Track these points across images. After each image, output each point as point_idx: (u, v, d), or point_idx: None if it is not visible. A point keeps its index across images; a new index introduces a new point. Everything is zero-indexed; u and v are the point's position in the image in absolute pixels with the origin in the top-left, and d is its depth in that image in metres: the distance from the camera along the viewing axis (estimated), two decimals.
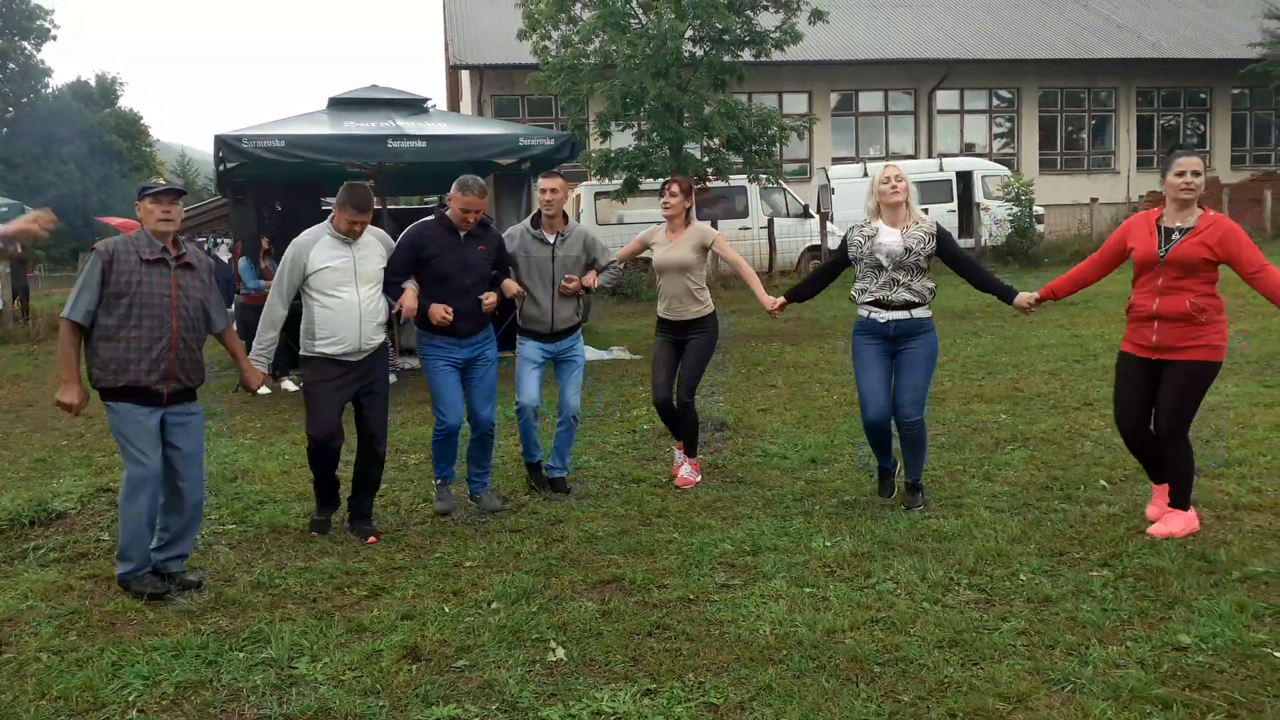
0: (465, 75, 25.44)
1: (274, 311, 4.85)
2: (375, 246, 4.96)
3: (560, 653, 3.54)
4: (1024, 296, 4.93)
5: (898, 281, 4.86)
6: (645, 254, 5.86)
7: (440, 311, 4.97)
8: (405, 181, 12.98)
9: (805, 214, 19.89)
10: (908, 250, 4.83)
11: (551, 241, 5.44)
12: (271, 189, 11.55)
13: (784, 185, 19.79)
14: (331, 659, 3.54)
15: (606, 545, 4.68)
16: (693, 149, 16.20)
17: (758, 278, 5.63)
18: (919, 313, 4.91)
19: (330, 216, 4.87)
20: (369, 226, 4.91)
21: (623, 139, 16.56)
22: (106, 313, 4.09)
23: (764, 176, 16.63)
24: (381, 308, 4.96)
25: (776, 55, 16.39)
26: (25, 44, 49.72)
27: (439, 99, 23.79)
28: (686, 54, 15.61)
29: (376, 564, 4.56)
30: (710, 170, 16.14)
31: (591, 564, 4.45)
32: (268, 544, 4.89)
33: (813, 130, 21.32)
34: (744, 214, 19.60)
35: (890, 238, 4.87)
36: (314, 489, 5.16)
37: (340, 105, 10.74)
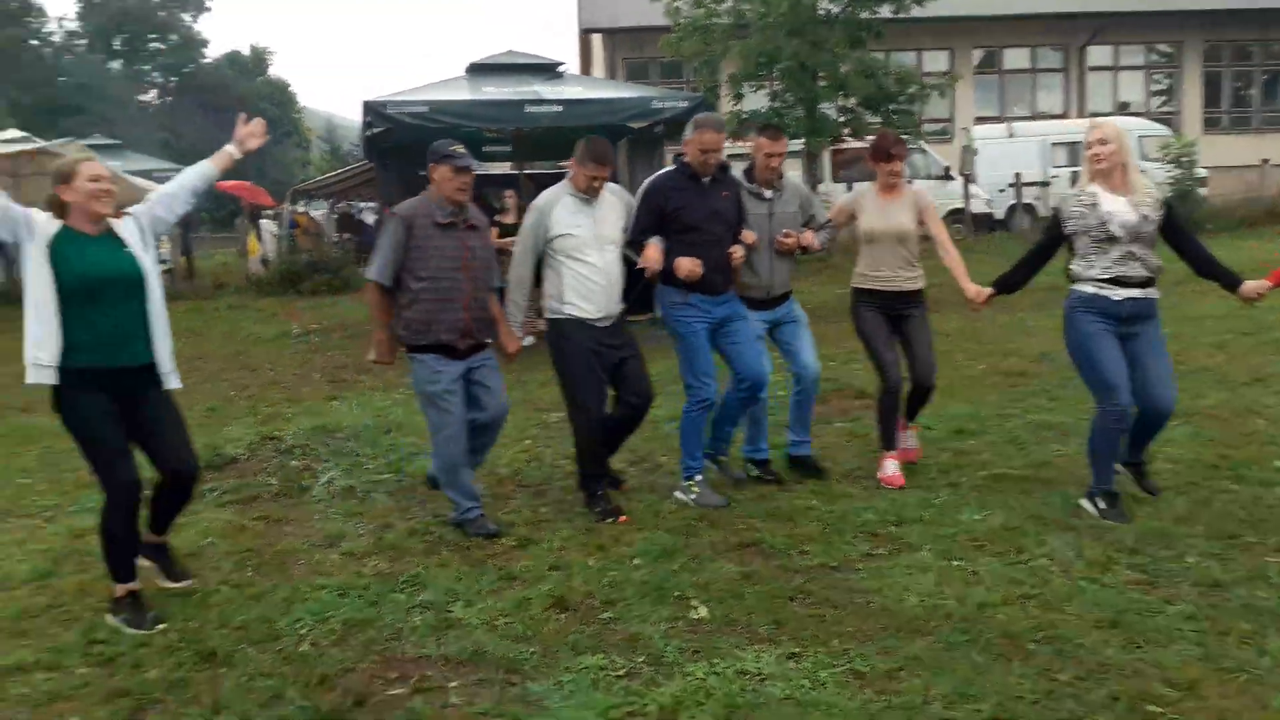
0: (596, 39, 25.51)
1: (519, 273, 4.75)
2: (615, 206, 4.78)
3: (703, 611, 3.59)
4: (1251, 285, 4.38)
5: (1134, 255, 4.31)
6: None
7: (689, 264, 4.60)
8: (541, 146, 13.17)
9: (946, 176, 19.20)
10: (1144, 218, 4.31)
11: (769, 196, 5.01)
12: (416, 154, 11.89)
13: (924, 146, 19.13)
14: (485, 605, 3.69)
15: (744, 509, 4.70)
16: (828, 109, 15.83)
17: (963, 262, 5.03)
18: (1152, 292, 4.40)
19: (569, 174, 4.73)
20: (609, 184, 4.75)
21: (755, 100, 16.31)
22: (409, 274, 4.34)
23: (904, 137, 16.09)
24: (624, 270, 4.78)
25: (916, 11, 15.78)
26: (184, 15, 52.62)
27: (571, 64, 23.96)
28: (822, 11, 15.21)
29: (523, 516, 4.71)
30: (847, 131, 15.75)
31: (730, 526, 4.47)
32: (422, 493, 5.11)
33: (954, 89, 20.48)
34: None
35: (1117, 205, 4.33)
36: (581, 469, 4.86)
37: (479, 71, 10.96)
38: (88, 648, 3.41)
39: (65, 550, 4.43)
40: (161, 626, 3.57)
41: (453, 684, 3.13)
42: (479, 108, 9.74)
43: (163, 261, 17.06)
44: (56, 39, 47.45)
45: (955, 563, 3.92)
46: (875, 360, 5.10)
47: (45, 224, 3.51)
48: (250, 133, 4.04)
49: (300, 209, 24.28)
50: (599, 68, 25.68)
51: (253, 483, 5.34)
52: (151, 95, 52.34)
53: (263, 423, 6.80)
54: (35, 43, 45.00)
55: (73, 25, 49.87)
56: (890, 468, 5.04)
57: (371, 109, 9.49)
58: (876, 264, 5.07)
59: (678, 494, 4.92)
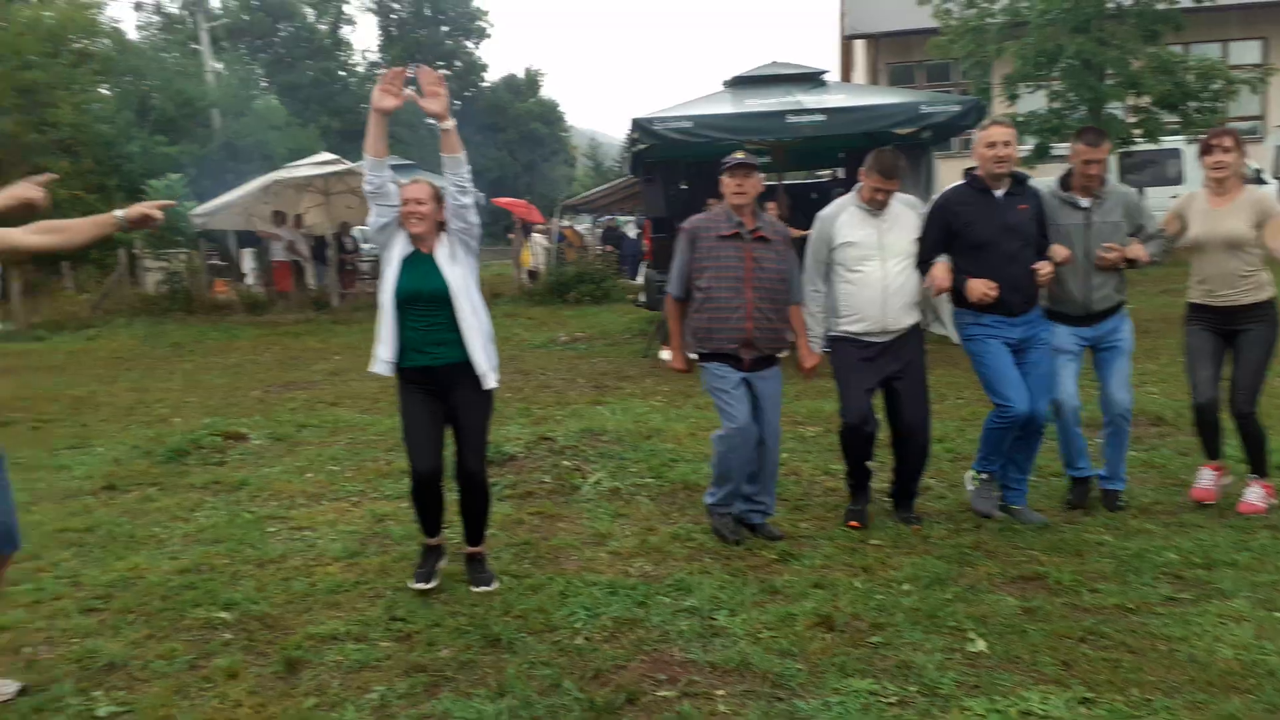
0: (859, 45, 25.04)
1: (810, 285, 4.64)
2: (906, 217, 4.58)
3: (981, 644, 3.40)
4: None
5: None
6: None
7: (981, 287, 4.37)
8: (801, 156, 13.10)
9: (1258, 179, 17.15)
10: None
11: (1085, 206, 4.61)
12: (678, 168, 12.20)
13: None
14: (748, 616, 3.69)
15: (1025, 539, 4.40)
16: (1115, 109, 14.59)
17: None
18: None
19: (856, 186, 4.64)
20: (901, 195, 4.61)
21: (1032, 101, 15.33)
22: (694, 286, 4.52)
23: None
24: (912, 285, 4.55)
25: None
26: (468, 43, 57.07)
27: (831, 72, 23.64)
28: (1111, 4, 14.05)
29: (782, 530, 4.68)
30: (1139, 133, 14.44)
31: (1009, 557, 4.21)
32: (681, 499, 5.21)
33: (1268, 84, 18.27)
34: (1176, 180, 17.32)
35: None
36: (847, 478, 4.84)
37: (741, 84, 11.06)
38: (390, 623, 3.75)
39: (369, 532, 4.90)
40: (428, 586, 4.02)
41: (719, 692, 3.15)
42: (741, 120, 9.83)
43: None
44: (360, 69, 52.92)
45: (1278, 614, 3.47)
46: (1188, 378, 4.69)
47: (405, 242, 3.95)
48: (430, 95, 3.92)
49: (567, 223, 25.61)
50: (860, 74, 25.20)
51: (529, 479, 5.66)
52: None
53: (536, 423, 7.20)
54: (343, 74, 50.43)
55: (374, 56, 55.51)
56: (1206, 478, 4.73)
57: (639, 125, 9.82)
58: (1205, 276, 4.61)
59: (967, 476, 4.89)
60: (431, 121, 4.12)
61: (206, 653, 3.57)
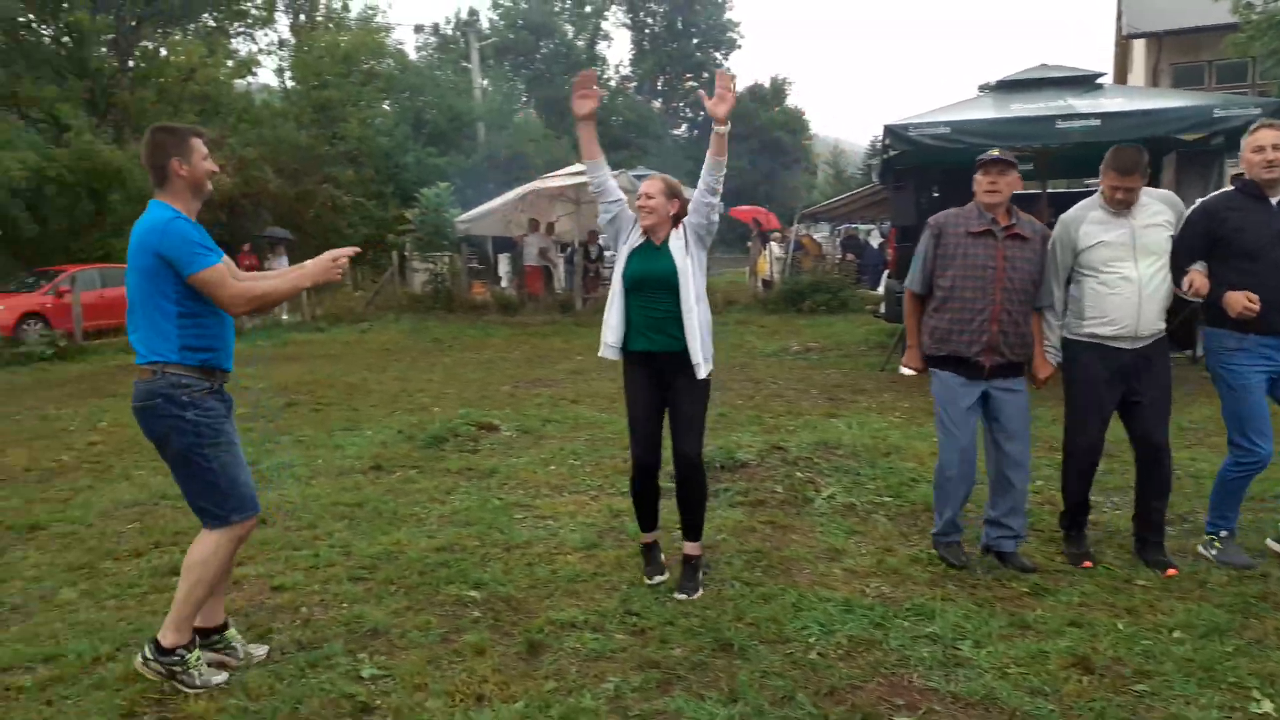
0: (1138, 45, 23.05)
1: (1050, 291, 4.36)
2: (1161, 214, 4.26)
3: (1267, 705, 3.03)
4: None
5: None
6: None
7: (1241, 300, 4.01)
8: (1069, 163, 12.25)
9: None
10: None
11: None
12: (931, 175, 11.75)
13: None
14: (995, 649, 3.47)
15: None
16: None
17: None
18: None
19: (1099, 188, 4.40)
20: (1155, 191, 4.34)
21: None
22: (936, 284, 4.36)
23: None
24: (1167, 288, 4.22)
25: None
26: (717, 54, 57.88)
27: (1106, 74, 21.94)
28: None
29: (1034, 562, 4.36)
30: None
31: None
32: (923, 521, 4.98)
33: None
34: None
35: None
36: (1065, 516, 4.55)
37: (1007, 87, 10.49)
38: (624, 616, 3.84)
39: (607, 526, 5.05)
40: (663, 578, 4.16)
41: None
42: (1005, 125, 9.30)
43: None
44: (613, 83, 55.00)
45: None
46: None
47: (635, 233, 4.13)
48: (719, 98, 3.91)
49: (805, 231, 25.35)
50: (1139, 75, 23.21)
51: (760, 488, 5.62)
52: (683, 129, 58.35)
53: (767, 432, 7.15)
54: (596, 88, 52.63)
55: (626, 71, 57.56)
56: None
57: (891, 132, 9.54)
58: None
59: (1199, 549, 4.38)
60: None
61: (457, 628, 3.80)
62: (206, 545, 3.32)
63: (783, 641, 3.58)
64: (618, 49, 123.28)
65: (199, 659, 3.35)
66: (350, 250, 3.44)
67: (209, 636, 3.50)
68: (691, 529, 4.21)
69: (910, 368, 4.62)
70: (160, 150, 3.26)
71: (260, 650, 3.58)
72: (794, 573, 4.33)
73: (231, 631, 3.58)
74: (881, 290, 14.63)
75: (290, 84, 31.47)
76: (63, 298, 16.73)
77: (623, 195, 4.18)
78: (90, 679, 3.39)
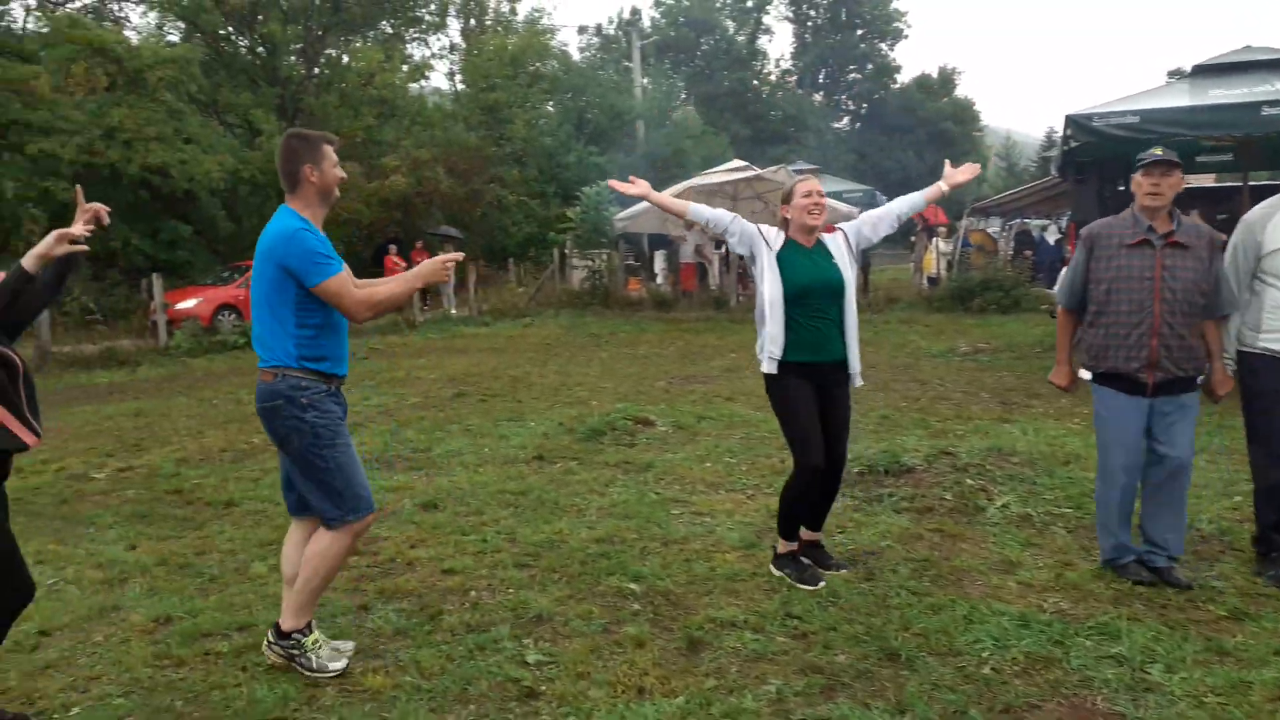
0: None
1: (1233, 301, 4.07)
2: None
3: None
4: None
5: None
6: None
7: None
8: (1274, 154, 11.25)
9: None
10: None
11: None
12: (1115, 168, 11.05)
13: None
14: (1190, 675, 3.21)
15: None
16: None
17: None
18: None
19: None
20: None
21: None
22: (1091, 297, 4.13)
23: None
24: None
25: None
26: (882, 45, 56.41)
27: None
28: None
29: (1234, 584, 4.02)
30: None
31: None
32: None
33: None
34: None
35: None
36: (1260, 542, 4.22)
37: (1205, 72, 9.71)
38: (785, 619, 3.77)
39: (765, 526, 4.99)
40: (822, 584, 4.07)
41: None
42: (1201, 113, 8.62)
43: None
44: (773, 78, 54.52)
45: None
46: None
47: (775, 237, 4.13)
48: (958, 172, 4.35)
49: (977, 226, 24.34)
50: None
51: (928, 494, 5.41)
52: (844, 122, 57.21)
53: (934, 436, 6.89)
54: (755, 83, 52.28)
55: (787, 65, 56.90)
56: None
57: (1074, 122, 9.01)
58: None
59: None
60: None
61: (618, 619, 3.83)
62: (324, 541, 3.38)
63: (953, 654, 3.43)
64: (779, 43, 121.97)
65: (316, 643, 3.43)
66: (456, 255, 3.49)
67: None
68: (821, 522, 4.39)
69: (1058, 385, 4.38)
70: (294, 156, 3.30)
71: (348, 645, 3.59)
72: (965, 584, 4.14)
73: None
74: (1057, 289, 13.89)
75: (460, 87, 32.74)
76: None
77: (731, 213, 4.28)
78: None
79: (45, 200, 18.49)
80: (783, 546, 4.26)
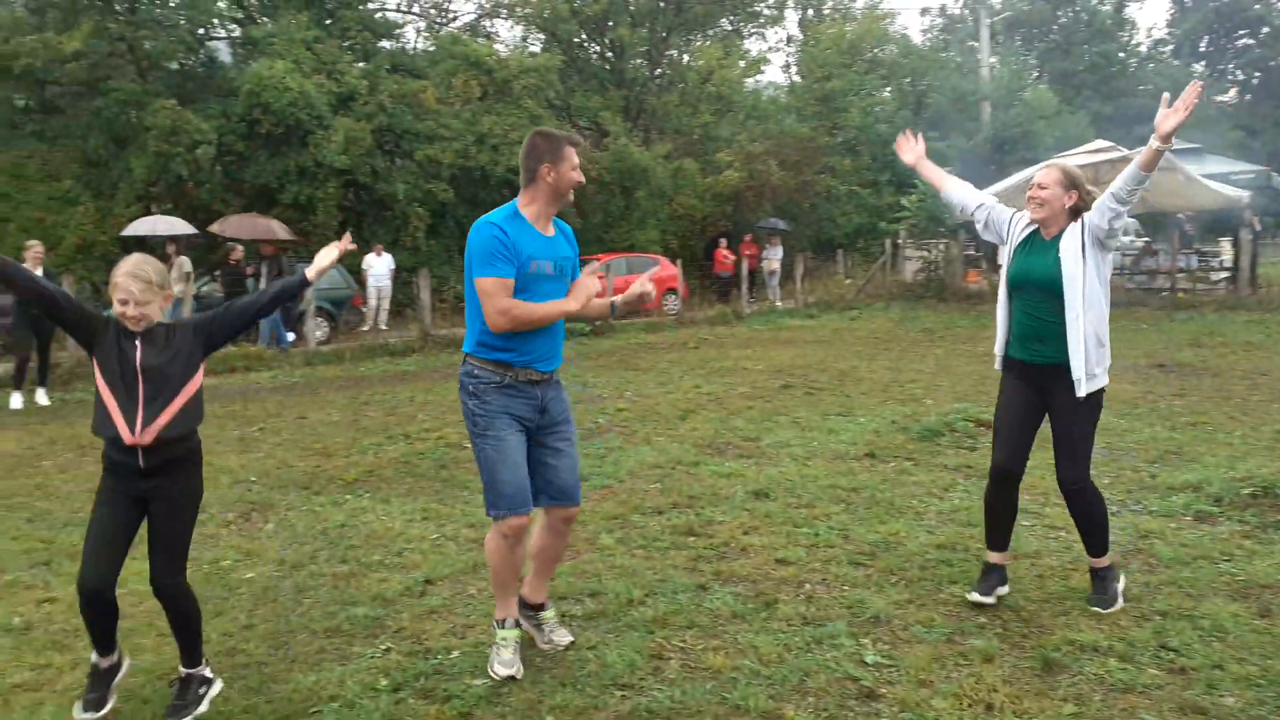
0: None
1: None
2: None
3: None
4: None
5: None
6: None
7: None
8: None
9: None
10: None
11: None
12: None
13: None
14: None
15: None
16: None
17: None
18: None
19: None
20: None
21: None
22: None
23: None
24: None
25: None
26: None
27: None
28: None
29: None
30: None
31: None
32: None
33: None
34: None
35: None
36: None
37: None
38: (1159, 650, 3.38)
39: (1131, 546, 4.51)
40: (1002, 592, 3.82)
41: None
42: None
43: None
44: (1142, 49, 49.13)
45: None
46: None
47: (1021, 226, 3.86)
48: (1169, 115, 3.40)
49: None
50: None
51: None
52: (1230, 95, 50.27)
53: None
54: (1122, 55, 47.34)
55: (1160, 34, 51.02)
56: None
57: None
58: None
59: None
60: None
61: (962, 630, 3.64)
62: (489, 534, 3.47)
63: None
64: (1150, 11, 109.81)
65: (504, 640, 3.42)
66: (595, 285, 3.54)
67: (526, 610, 3.64)
68: (1092, 546, 3.89)
69: None
70: (535, 153, 3.36)
71: (565, 638, 3.60)
72: None
73: (548, 613, 3.66)
74: None
75: (795, 78, 32.81)
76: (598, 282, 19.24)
77: (982, 197, 4.02)
78: (626, 618, 3.82)
79: (427, 200, 20.96)
80: (986, 555, 3.99)
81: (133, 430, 2.97)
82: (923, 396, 8.90)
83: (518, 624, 3.50)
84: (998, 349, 3.90)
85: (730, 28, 30.42)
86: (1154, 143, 3.44)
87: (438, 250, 21.09)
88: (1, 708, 3.21)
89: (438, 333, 15.32)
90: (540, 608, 3.66)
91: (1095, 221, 3.64)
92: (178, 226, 15.87)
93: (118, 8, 19.82)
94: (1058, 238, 3.72)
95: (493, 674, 3.35)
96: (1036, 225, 3.79)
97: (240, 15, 23.42)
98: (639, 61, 28.20)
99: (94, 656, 3.14)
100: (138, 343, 3.04)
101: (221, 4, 22.43)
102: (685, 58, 29.39)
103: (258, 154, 19.37)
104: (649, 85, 28.01)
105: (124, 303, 3.01)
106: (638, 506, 5.46)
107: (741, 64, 29.04)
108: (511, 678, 3.31)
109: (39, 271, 9.93)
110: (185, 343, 3.11)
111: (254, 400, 10.12)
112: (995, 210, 3.96)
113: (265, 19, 22.57)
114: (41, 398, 10.24)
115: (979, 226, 4.03)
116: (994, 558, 3.93)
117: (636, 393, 9.80)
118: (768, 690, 3.20)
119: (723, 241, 22.57)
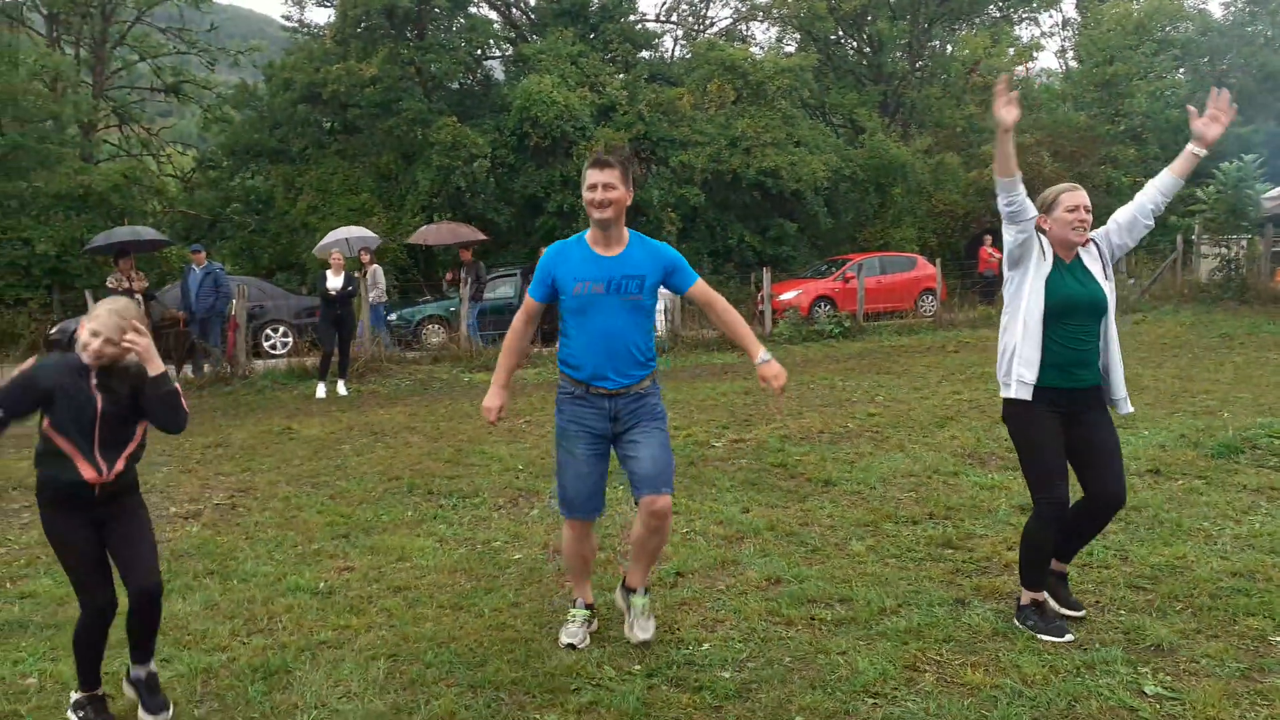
0: None
1: None
2: None
3: None
4: None
5: None
6: None
7: None
8: None
9: None
10: None
11: None
12: None
13: None
14: None
15: None
16: None
17: None
18: None
19: None
20: None
21: None
22: None
23: None
24: None
25: None
26: None
27: None
28: None
29: None
30: None
31: None
32: None
33: None
34: None
35: None
36: None
37: None
38: None
39: None
40: (1069, 636, 3.54)
41: None
42: None
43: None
44: None
45: None
46: None
47: (1048, 248, 3.64)
48: (1210, 118, 3.52)
49: None
50: None
51: None
52: None
53: None
54: None
55: None
56: None
57: None
58: None
59: None
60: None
61: (1260, 666, 3.27)
62: (563, 526, 3.81)
63: None
64: None
65: (573, 616, 3.77)
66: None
67: (625, 589, 3.85)
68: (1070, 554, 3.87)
69: None
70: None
71: (641, 634, 3.69)
72: None
73: (637, 598, 3.78)
74: None
75: (1072, 64, 30.56)
76: (849, 283, 18.85)
77: (1030, 205, 3.62)
78: (878, 626, 3.75)
79: (680, 205, 21.45)
80: (1026, 597, 3.72)
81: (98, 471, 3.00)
82: (1218, 409, 8.03)
83: (588, 606, 3.81)
84: (1027, 378, 3.56)
85: (999, 14, 28.84)
86: (1196, 149, 3.54)
87: (688, 254, 21.50)
88: (310, 661, 3.64)
89: (686, 334, 15.63)
90: (632, 591, 3.82)
91: (1122, 242, 3.69)
92: (368, 237, 15.52)
93: (409, 34, 21.84)
94: (1079, 260, 3.65)
95: (559, 642, 3.67)
96: (1056, 250, 3.63)
97: (512, 34, 25.08)
98: (898, 55, 27.37)
99: (78, 694, 3.16)
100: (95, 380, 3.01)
101: (496, 25, 24.13)
102: (949, 48, 28.16)
103: (526, 165, 20.67)
104: (909, 79, 27.11)
105: (95, 335, 2.95)
106: (890, 515, 5.32)
107: (1011, 51, 27.43)
108: (572, 646, 3.64)
109: (340, 277, 11.22)
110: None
111: (520, 395, 10.82)
112: (1034, 233, 3.61)
113: (535, 36, 24.03)
114: (341, 389, 11.50)
115: (1021, 239, 3.61)
116: (1040, 596, 3.73)
117: (888, 397, 9.53)
118: (1031, 712, 3.03)
119: (988, 239, 21.40)
